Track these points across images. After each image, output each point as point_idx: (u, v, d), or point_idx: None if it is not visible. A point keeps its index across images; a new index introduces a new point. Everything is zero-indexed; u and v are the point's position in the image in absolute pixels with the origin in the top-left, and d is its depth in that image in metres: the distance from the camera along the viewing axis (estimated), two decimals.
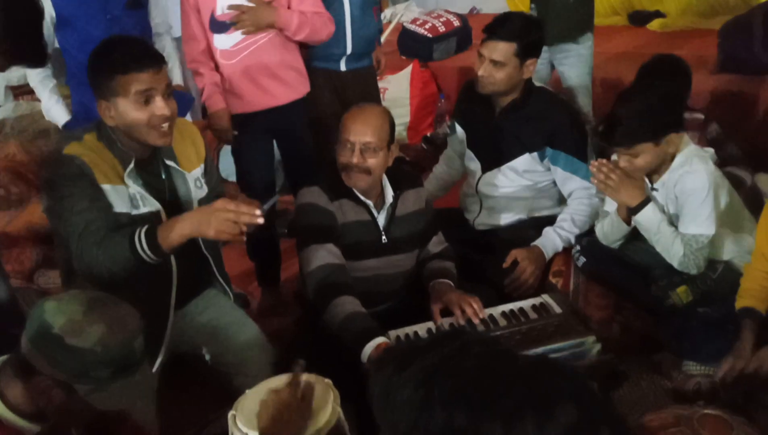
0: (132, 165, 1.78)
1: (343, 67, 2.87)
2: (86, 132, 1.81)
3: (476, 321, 1.99)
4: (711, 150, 2.16)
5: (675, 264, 2.09)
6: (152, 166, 1.86)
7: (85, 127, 1.84)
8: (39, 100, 4.35)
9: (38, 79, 2.64)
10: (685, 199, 2.06)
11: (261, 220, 1.62)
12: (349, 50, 2.83)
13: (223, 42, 2.51)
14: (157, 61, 1.76)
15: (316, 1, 2.60)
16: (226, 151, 3.44)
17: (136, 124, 1.74)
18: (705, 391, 1.94)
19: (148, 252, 1.65)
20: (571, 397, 0.76)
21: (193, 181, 1.92)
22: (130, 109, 1.73)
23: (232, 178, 2.94)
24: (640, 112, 2.02)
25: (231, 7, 2.43)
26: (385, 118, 2.09)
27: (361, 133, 2.03)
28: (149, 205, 1.80)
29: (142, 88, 1.71)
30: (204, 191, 1.94)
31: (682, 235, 2.07)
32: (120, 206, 1.76)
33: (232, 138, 2.60)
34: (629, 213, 2.12)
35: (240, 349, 1.95)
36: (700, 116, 2.66)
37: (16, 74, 4.74)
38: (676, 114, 2.09)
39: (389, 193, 2.15)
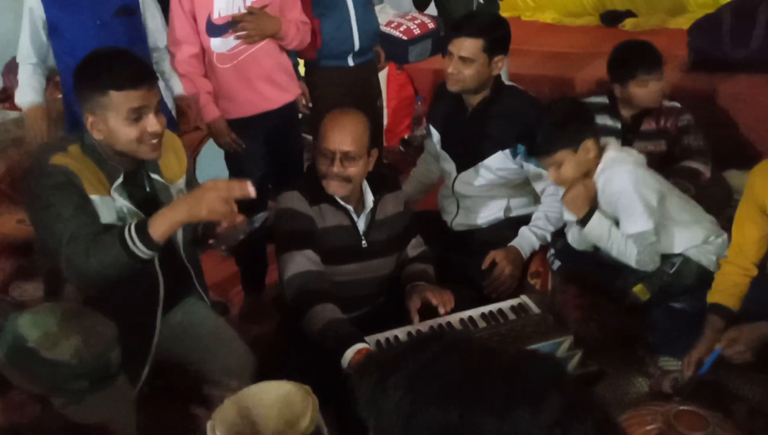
0: (121, 179, 1.76)
1: (351, 62, 2.92)
2: (70, 143, 1.78)
3: (442, 311, 2.03)
4: (634, 151, 2.25)
5: (633, 264, 2.15)
6: (137, 179, 1.84)
7: (68, 138, 1.81)
8: (11, 109, 4.32)
9: (27, 60, 2.63)
10: (615, 202, 2.14)
11: (253, 194, 1.60)
12: (357, 47, 2.89)
13: (219, 45, 2.51)
14: (151, 77, 1.75)
15: (302, 12, 2.66)
16: (203, 157, 3.42)
17: (127, 140, 1.72)
18: (681, 386, 1.96)
19: (141, 246, 1.61)
20: (557, 387, 0.78)
21: (176, 193, 1.90)
22: (121, 125, 1.70)
23: None
24: (555, 121, 2.17)
25: (236, 17, 2.45)
26: (365, 124, 2.08)
27: (339, 141, 2.02)
28: (135, 217, 1.79)
29: (136, 106, 1.69)
30: None
31: (627, 236, 2.13)
32: (107, 217, 1.74)
33: (233, 142, 2.58)
34: (578, 224, 2.18)
35: (219, 357, 1.94)
36: (677, 105, 2.71)
37: None
38: (589, 121, 2.21)
39: (369, 198, 2.15)
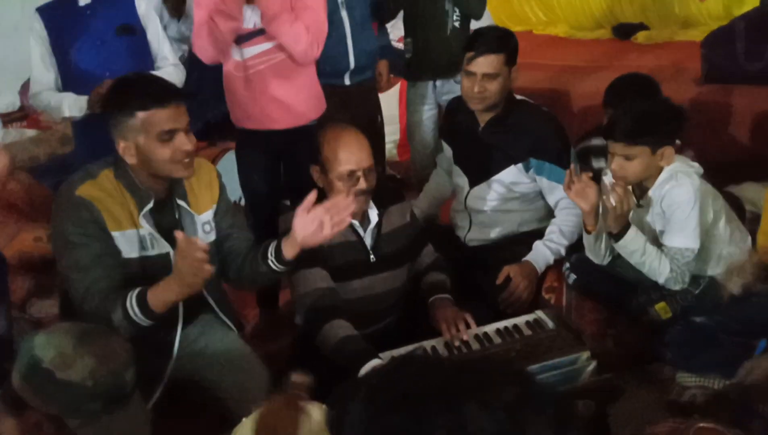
0: (150, 205, 1.78)
1: (347, 81, 2.94)
2: (103, 167, 1.79)
3: (465, 338, 1.99)
4: (696, 164, 2.18)
5: (661, 281, 2.11)
6: (166, 206, 1.86)
7: (101, 163, 1.82)
8: (28, 128, 4.36)
9: (46, 87, 2.54)
10: (671, 213, 2.09)
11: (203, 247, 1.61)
12: (352, 65, 2.91)
13: (237, 53, 2.49)
14: (176, 96, 1.76)
15: (317, 18, 2.50)
16: (223, 164, 3.41)
17: (160, 161, 1.74)
18: (700, 402, 1.94)
19: (141, 316, 1.66)
20: (509, 381, 0.82)
21: (201, 225, 1.91)
22: (153, 146, 1.72)
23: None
24: (644, 113, 2.07)
25: None
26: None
27: (361, 159, 2.02)
28: (159, 247, 1.81)
29: (166, 127, 1.71)
30: (212, 236, 1.93)
31: (667, 249, 2.09)
32: (129, 251, 1.77)
33: None
34: (613, 239, 2.13)
35: (236, 374, 1.93)
36: (677, 142, 2.67)
37: (4, 101, 4.76)
38: (674, 128, 2.13)
39: (374, 212, 2.14)
